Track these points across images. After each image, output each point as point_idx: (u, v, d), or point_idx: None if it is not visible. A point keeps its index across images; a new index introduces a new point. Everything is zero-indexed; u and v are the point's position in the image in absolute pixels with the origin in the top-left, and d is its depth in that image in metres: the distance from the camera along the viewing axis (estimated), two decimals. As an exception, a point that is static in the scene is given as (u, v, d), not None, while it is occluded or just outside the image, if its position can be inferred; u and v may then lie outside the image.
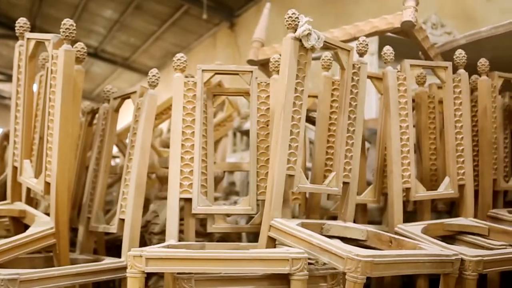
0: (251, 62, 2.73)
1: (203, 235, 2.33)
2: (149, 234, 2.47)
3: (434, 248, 1.61)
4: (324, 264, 1.57)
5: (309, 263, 1.53)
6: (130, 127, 2.02)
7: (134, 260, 1.41)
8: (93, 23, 10.17)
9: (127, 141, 2.03)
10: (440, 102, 2.30)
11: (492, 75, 2.33)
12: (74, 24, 1.83)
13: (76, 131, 2.12)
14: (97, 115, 2.28)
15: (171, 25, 9.53)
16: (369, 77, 2.03)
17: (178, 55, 1.97)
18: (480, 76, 2.30)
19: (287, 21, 1.68)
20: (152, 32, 10.03)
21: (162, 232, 2.27)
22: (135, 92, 2.04)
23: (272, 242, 1.68)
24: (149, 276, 2.43)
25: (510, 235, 1.87)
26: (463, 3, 4.50)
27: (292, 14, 1.68)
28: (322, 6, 6.29)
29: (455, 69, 2.18)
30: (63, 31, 1.80)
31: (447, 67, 2.14)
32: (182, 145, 1.89)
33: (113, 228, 1.95)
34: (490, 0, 4.13)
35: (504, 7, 4.00)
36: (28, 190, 2.06)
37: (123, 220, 1.90)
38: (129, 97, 2.11)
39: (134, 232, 1.86)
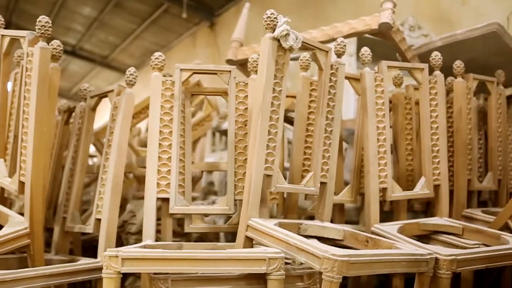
0: (230, 62, 2.73)
1: (181, 235, 2.32)
2: (126, 234, 2.45)
3: (409, 247, 1.63)
4: (301, 263, 1.57)
5: (286, 263, 1.53)
6: (107, 126, 2.00)
7: (110, 260, 1.40)
8: (72, 21, 10.04)
9: (105, 140, 2.01)
10: (417, 103, 2.33)
11: (467, 77, 2.37)
12: (50, 21, 1.80)
13: (52, 129, 2.10)
14: (73, 114, 2.25)
15: (151, 23, 9.46)
16: (347, 77, 2.05)
17: (156, 54, 1.95)
18: (455, 78, 2.34)
19: (265, 21, 1.69)
20: (132, 30, 9.95)
21: (139, 232, 2.25)
22: (112, 90, 2.02)
23: (250, 242, 1.68)
24: (126, 276, 2.41)
25: (484, 234, 1.91)
26: (440, 6, 4.57)
27: (271, 14, 1.69)
28: (301, 7, 6.31)
29: (431, 71, 2.21)
30: (39, 28, 1.77)
31: (423, 68, 2.17)
32: (160, 144, 1.88)
33: (89, 228, 1.93)
34: (466, 4, 4.20)
35: (479, 11, 4.07)
36: (2, 189, 2.02)
37: (99, 220, 1.88)
38: (106, 96, 2.09)
39: (110, 232, 1.84)
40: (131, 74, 1.96)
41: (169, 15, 9.04)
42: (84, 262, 1.78)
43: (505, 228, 1.98)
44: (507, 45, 2.48)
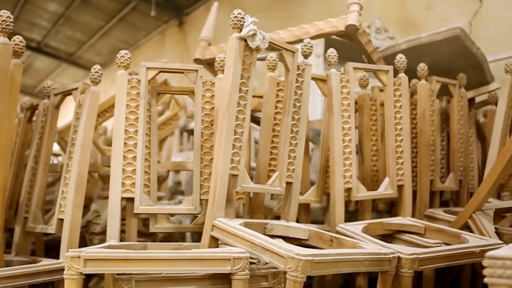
0: (197, 61, 2.72)
1: (146, 235, 2.30)
2: (90, 235, 2.41)
3: (372, 247, 1.65)
4: (266, 263, 1.58)
5: (251, 263, 1.53)
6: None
7: (72, 261, 1.38)
8: (37, 16, 9.81)
9: (69, 139, 1.97)
10: (382, 104, 2.37)
11: (430, 80, 2.42)
12: (12, 16, 1.76)
13: (13, 127, 2.04)
14: (36, 112, 2.21)
15: (119, 21, 9.33)
16: (313, 78, 2.07)
17: (122, 52, 1.93)
18: (419, 80, 2.39)
19: (232, 21, 1.69)
20: (99, 27, 9.79)
21: (104, 232, 2.22)
22: (76, 88, 1.99)
23: (215, 242, 1.68)
24: (90, 277, 2.37)
25: (445, 234, 1.95)
26: (406, 9, 4.65)
27: (238, 14, 1.69)
28: (271, 8, 6.33)
29: (396, 73, 2.25)
30: (0, 23, 1.73)
31: (388, 70, 2.20)
32: (125, 143, 1.85)
33: (51, 229, 1.89)
34: (431, 8, 4.29)
35: (443, 15, 4.16)
36: (-40, 188, 1.96)
37: (62, 220, 1.84)
38: (70, 94, 2.05)
39: (73, 233, 1.80)
40: (96, 72, 1.93)
41: (138, 13, 8.93)
42: (45, 263, 1.74)
43: (465, 227, 2.03)
44: (469, 49, 2.55)
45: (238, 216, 2.21)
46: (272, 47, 1.79)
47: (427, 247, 1.83)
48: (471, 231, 1.97)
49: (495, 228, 1.96)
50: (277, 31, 2.49)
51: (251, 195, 2.22)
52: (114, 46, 10.32)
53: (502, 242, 1.76)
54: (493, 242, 1.75)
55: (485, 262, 0.90)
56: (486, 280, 0.90)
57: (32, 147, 2.10)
